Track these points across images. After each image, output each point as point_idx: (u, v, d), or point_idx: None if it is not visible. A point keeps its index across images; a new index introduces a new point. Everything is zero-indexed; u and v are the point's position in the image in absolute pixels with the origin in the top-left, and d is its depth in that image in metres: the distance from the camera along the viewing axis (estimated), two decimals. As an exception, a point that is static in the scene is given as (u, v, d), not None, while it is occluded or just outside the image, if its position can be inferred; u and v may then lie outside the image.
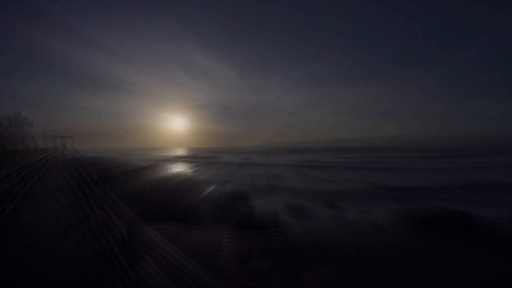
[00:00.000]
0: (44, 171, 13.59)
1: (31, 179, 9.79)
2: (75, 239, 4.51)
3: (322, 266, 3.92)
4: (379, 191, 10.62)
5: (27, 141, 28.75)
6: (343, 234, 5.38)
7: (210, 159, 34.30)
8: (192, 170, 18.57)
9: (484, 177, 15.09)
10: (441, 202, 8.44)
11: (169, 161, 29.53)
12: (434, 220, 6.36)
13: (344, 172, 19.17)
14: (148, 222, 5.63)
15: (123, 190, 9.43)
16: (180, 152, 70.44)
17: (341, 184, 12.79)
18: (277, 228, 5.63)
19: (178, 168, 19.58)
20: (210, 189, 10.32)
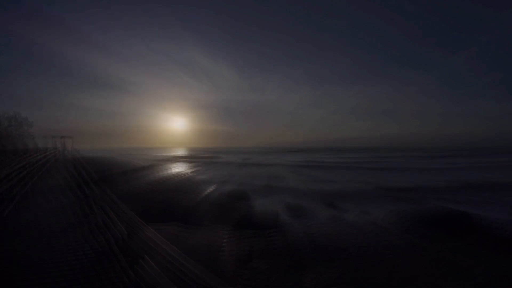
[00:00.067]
0: (44, 171, 13.58)
1: (31, 179, 9.79)
2: (75, 239, 4.51)
3: (322, 266, 3.92)
4: (379, 191, 10.62)
5: (27, 141, 28.76)
6: (343, 234, 5.38)
7: (210, 159, 34.31)
8: (192, 170, 18.57)
9: (484, 177, 15.09)
10: (441, 202, 8.44)
11: (169, 161, 29.54)
12: (434, 220, 6.36)
13: (344, 172, 19.17)
14: (148, 222, 5.62)
15: (123, 190, 9.43)
16: (180, 152, 70.45)
17: (341, 184, 12.79)
18: (277, 228, 5.63)
19: (178, 168, 19.59)
20: (210, 189, 10.32)
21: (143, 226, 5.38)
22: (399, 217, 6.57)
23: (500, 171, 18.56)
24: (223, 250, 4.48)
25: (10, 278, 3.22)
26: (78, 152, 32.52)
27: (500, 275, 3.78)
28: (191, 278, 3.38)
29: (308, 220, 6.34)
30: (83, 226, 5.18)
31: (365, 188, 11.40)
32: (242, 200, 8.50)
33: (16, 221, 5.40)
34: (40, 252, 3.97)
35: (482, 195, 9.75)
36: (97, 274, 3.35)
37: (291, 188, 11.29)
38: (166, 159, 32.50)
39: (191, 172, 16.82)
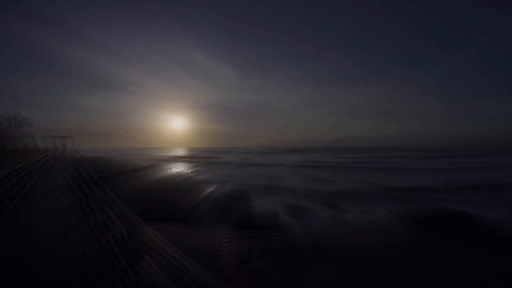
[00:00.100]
0: (44, 171, 13.58)
1: (31, 179, 9.79)
2: (75, 239, 4.51)
3: (322, 266, 3.92)
4: (379, 191, 10.62)
5: (27, 141, 28.76)
6: (343, 234, 5.38)
7: (210, 159, 34.32)
8: (192, 170, 18.57)
9: (484, 177, 15.09)
10: (441, 202, 8.44)
11: (169, 161, 29.54)
12: (434, 220, 6.36)
13: (344, 172, 19.17)
14: (148, 222, 5.62)
15: (123, 190, 9.43)
16: (180, 152, 70.46)
17: (341, 184, 12.79)
18: (277, 228, 5.63)
19: (178, 168, 19.59)
20: (210, 189, 10.32)
21: (143, 226, 5.37)
22: (399, 217, 6.57)
23: (500, 171, 18.56)
24: (223, 250, 4.48)
25: (10, 278, 3.22)
26: (78, 152, 32.52)
27: (500, 275, 3.78)
28: (191, 278, 3.38)
29: (308, 220, 6.34)
30: (83, 226, 5.18)
31: (365, 188, 11.40)
32: (242, 200, 8.50)
33: (16, 221, 5.40)
34: (40, 252, 3.96)
35: (482, 195, 9.75)
36: (97, 274, 3.35)
37: (291, 188, 11.29)
38: (166, 159, 32.51)
39: (191, 172, 16.82)
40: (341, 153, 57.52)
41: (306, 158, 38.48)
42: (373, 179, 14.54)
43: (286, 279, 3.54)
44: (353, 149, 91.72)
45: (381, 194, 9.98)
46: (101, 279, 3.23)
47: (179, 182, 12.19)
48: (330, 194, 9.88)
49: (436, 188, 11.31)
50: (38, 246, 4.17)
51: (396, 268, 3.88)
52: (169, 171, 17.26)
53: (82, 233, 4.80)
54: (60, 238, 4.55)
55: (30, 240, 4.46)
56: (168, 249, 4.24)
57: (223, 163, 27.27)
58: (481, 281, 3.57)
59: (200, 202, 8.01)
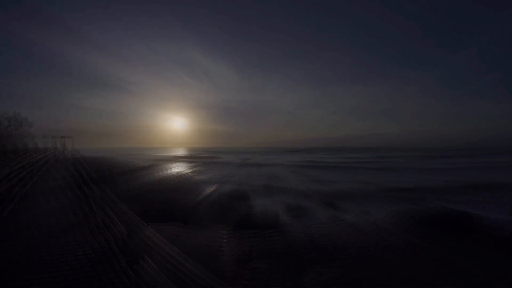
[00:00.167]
0: (43, 171, 13.58)
1: (31, 179, 9.79)
2: (74, 239, 4.51)
3: (322, 266, 3.92)
4: (379, 191, 10.62)
5: (26, 141, 28.76)
6: (343, 234, 5.38)
7: (210, 159, 34.31)
8: (192, 170, 18.57)
9: (484, 177, 15.09)
10: (441, 202, 8.44)
11: (169, 161, 29.54)
12: (434, 220, 6.36)
13: (344, 172, 19.17)
14: (148, 222, 5.63)
15: (123, 190, 9.42)
16: (180, 152, 70.45)
17: (341, 184, 12.79)
18: (277, 228, 5.63)
19: (178, 168, 19.59)
20: (210, 189, 10.32)
21: (143, 226, 5.38)
22: (399, 217, 6.57)
23: (500, 171, 18.56)
24: (223, 250, 4.48)
25: (10, 278, 3.22)
26: (78, 152, 32.52)
27: (500, 275, 3.78)
28: (191, 278, 3.38)
29: (308, 220, 6.34)
30: (83, 226, 5.19)
31: (365, 188, 11.40)
32: (242, 200, 8.50)
33: (16, 221, 5.40)
34: (40, 252, 3.97)
35: (482, 195, 9.75)
36: (97, 274, 3.35)
37: (291, 188, 11.28)
38: (166, 159, 32.51)
39: (191, 172, 16.82)
40: (341, 153, 57.51)
41: (306, 158, 38.48)
42: (373, 179, 14.54)
43: (286, 279, 3.54)
44: (353, 149, 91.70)
45: (381, 194, 9.98)
46: (101, 279, 3.23)
47: (179, 182, 12.19)
48: (330, 194, 9.88)
49: (436, 188, 11.31)
50: (38, 246, 4.18)
51: (396, 268, 3.88)
52: (169, 171, 17.26)
53: (82, 233, 4.80)
54: (60, 238, 4.55)
55: (30, 240, 4.46)
56: (168, 249, 4.24)
57: (223, 163, 27.26)
58: (481, 281, 3.57)
59: (200, 202, 8.01)
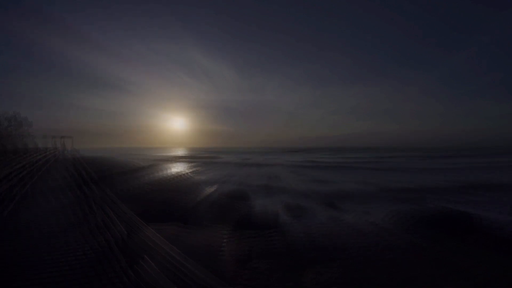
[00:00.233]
0: (43, 171, 13.59)
1: (31, 179, 9.79)
2: (74, 239, 4.51)
3: (322, 266, 3.92)
4: (379, 191, 10.62)
5: (26, 141, 28.76)
6: (343, 234, 5.38)
7: (210, 159, 34.31)
8: (192, 170, 18.57)
9: (484, 177, 15.09)
10: (441, 202, 8.44)
11: (169, 161, 29.54)
12: (434, 220, 6.36)
13: (344, 172, 19.17)
14: (148, 222, 5.62)
15: (123, 190, 9.42)
16: (180, 152, 70.46)
17: (341, 184, 12.79)
18: (277, 228, 5.63)
19: (178, 168, 19.59)
20: (210, 189, 10.32)
21: (143, 226, 5.38)
22: (399, 217, 6.57)
23: (500, 171, 18.56)
24: (223, 250, 4.48)
25: (10, 278, 3.22)
26: (78, 152, 32.50)
27: (500, 275, 3.78)
28: (191, 278, 3.38)
29: (308, 220, 6.34)
30: (83, 226, 5.18)
31: (365, 188, 11.40)
32: (242, 200, 8.50)
33: (16, 221, 5.40)
34: (40, 252, 3.97)
35: (482, 195, 9.75)
36: (97, 274, 3.35)
37: (291, 188, 11.28)
38: (166, 159, 32.51)
39: (191, 172, 16.82)
40: (341, 153, 57.53)
41: (306, 158, 38.49)
42: (373, 179, 14.54)
43: (286, 279, 3.54)
44: (353, 149, 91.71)
45: (381, 194, 9.98)
46: (101, 279, 3.23)
47: (179, 182, 12.19)
48: (330, 194, 9.88)
49: (436, 188, 11.31)
50: (38, 246, 4.18)
51: (396, 268, 3.88)
52: (169, 171, 17.26)
53: (82, 233, 4.80)
54: (60, 238, 4.55)
55: (30, 240, 4.46)
56: (168, 249, 4.24)
57: (223, 163, 27.27)
58: (481, 281, 3.57)
59: (200, 202, 8.01)
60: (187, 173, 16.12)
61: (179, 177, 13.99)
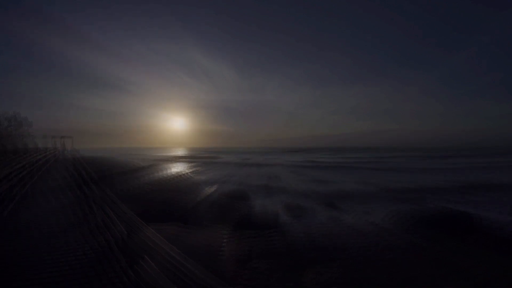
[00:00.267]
0: (43, 171, 13.58)
1: (30, 179, 9.79)
2: (74, 239, 4.51)
3: (322, 266, 3.92)
4: (379, 191, 10.62)
5: (26, 141, 28.76)
6: (343, 234, 5.38)
7: (210, 159, 34.31)
8: (191, 170, 18.57)
9: (484, 177, 15.09)
10: (441, 202, 8.44)
11: (169, 161, 29.54)
12: (434, 220, 6.36)
13: (344, 172, 19.17)
14: (148, 222, 5.62)
15: (123, 190, 9.42)
16: (180, 152, 70.45)
17: (341, 184, 12.78)
18: (277, 228, 5.63)
19: (178, 168, 19.58)
20: (210, 189, 10.32)
21: (143, 226, 5.38)
22: (399, 217, 6.57)
23: (500, 171, 18.56)
24: (223, 250, 4.48)
25: (10, 278, 3.22)
26: (78, 152, 32.50)
27: (500, 275, 3.78)
28: (191, 278, 3.38)
29: (308, 220, 6.34)
30: (83, 226, 5.18)
31: (365, 188, 11.40)
32: (242, 200, 8.50)
33: (16, 221, 5.40)
34: (40, 252, 3.96)
35: (482, 195, 9.75)
36: (97, 274, 3.35)
37: (291, 188, 11.28)
38: (166, 159, 32.51)
39: (191, 172, 16.82)
40: (341, 153, 57.52)
41: (306, 158, 38.48)
42: (373, 179, 14.54)
43: (286, 279, 3.54)
44: (353, 149, 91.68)
45: (381, 194, 9.98)
46: (101, 279, 3.23)
47: (179, 182, 12.19)
48: (330, 194, 9.88)
49: (436, 188, 11.31)
50: (38, 246, 4.17)
51: (396, 268, 3.88)
52: (169, 171, 17.25)
53: (82, 233, 4.80)
54: (60, 238, 4.55)
55: (30, 240, 4.46)
56: (168, 249, 4.24)
57: (223, 163, 27.27)
58: (481, 281, 3.57)
59: (200, 202, 8.01)
60: (187, 173, 16.11)
61: (179, 177, 13.99)
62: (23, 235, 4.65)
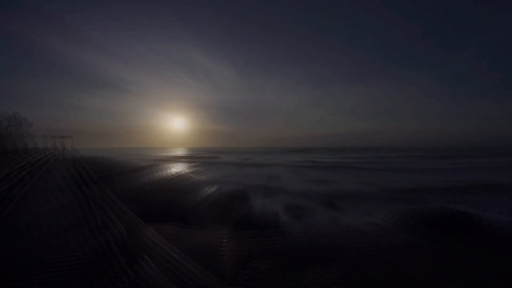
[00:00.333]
0: (43, 171, 13.58)
1: (30, 179, 9.78)
2: (74, 239, 4.51)
3: (322, 266, 3.92)
4: (379, 192, 10.62)
5: (26, 141, 28.76)
6: (343, 234, 5.38)
7: (209, 159, 34.31)
8: (192, 170, 18.57)
9: (484, 178, 15.10)
10: (441, 202, 8.44)
11: (169, 161, 29.54)
12: (434, 220, 6.36)
13: (344, 172, 19.17)
14: (148, 222, 5.62)
15: (123, 190, 9.42)
16: (180, 152, 70.44)
17: (341, 184, 12.79)
18: (277, 229, 5.63)
19: (178, 168, 19.58)
20: (210, 189, 10.32)
21: (143, 226, 5.37)
22: (399, 217, 6.57)
23: (500, 171, 18.57)
24: (223, 250, 4.48)
25: (10, 278, 3.22)
26: (78, 152, 32.48)
27: (500, 275, 3.78)
28: (191, 278, 3.38)
29: (308, 220, 6.34)
30: (83, 226, 5.18)
31: (365, 188, 11.40)
32: (242, 200, 8.50)
33: (16, 221, 5.39)
34: (40, 252, 3.96)
35: (482, 195, 9.75)
36: (97, 274, 3.35)
37: (291, 188, 11.28)
38: (166, 159, 32.51)
39: (191, 172, 16.82)
40: (341, 153, 57.52)
41: (306, 158, 38.48)
42: (373, 179, 14.54)
43: (286, 279, 3.54)
44: (353, 149, 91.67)
45: (381, 194, 9.98)
46: (101, 279, 3.22)
47: (179, 182, 12.19)
48: (330, 194, 9.88)
49: (436, 188, 11.31)
50: (38, 246, 4.17)
51: (396, 268, 3.88)
52: (169, 171, 17.25)
53: (82, 233, 4.79)
54: (60, 238, 4.55)
55: (30, 240, 4.45)
56: (168, 249, 4.24)
57: (223, 163, 27.27)
58: (481, 281, 3.57)
59: (200, 202, 8.01)
60: (187, 173, 16.11)
61: (179, 177, 13.99)
62: (23, 235, 4.65)
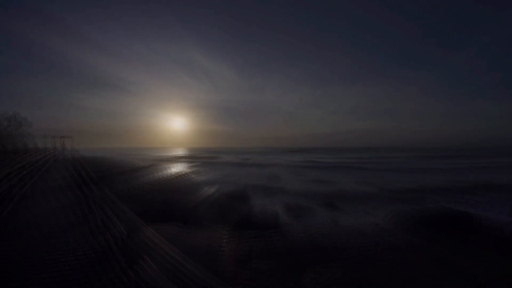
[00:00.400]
0: (43, 171, 13.57)
1: (30, 179, 9.78)
2: (74, 239, 4.50)
3: (322, 266, 3.92)
4: (379, 192, 10.62)
5: (26, 141, 28.76)
6: (343, 234, 5.38)
7: (209, 159, 34.31)
8: (192, 170, 18.57)
9: (484, 177, 15.10)
10: (441, 202, 8.44)
11: (169, 161, 29.54)
12: (434, 220, 6.36)
13: (344, 172, 19.18)
14: (148, 222, 5.62)
15: (123, 190, 9.42)
16: (180, 152, 70.44)
17: (341, 184, 12.79)
18: (277, 229, 5.63)
19: (178, 168, 19.58)
20: (210, 189, 10.32)
21: (143, 226, 5.37)
22: (399, 217, 6.57)
23: (500, 171, 18.57)
24: (223, 250, 4.48)
25: (10, 278, 3.21)
26: (78, 152, 32.47)
27: (500, 275, 3.78)
28: (191, 278, 3.38)
29: (308, 220, 6.34)
30: (82, 226, 5.18)
31: (365, 188, 11.40)
32: (242, 200, 8.50)
33: (16, 221, 5.39)
34: (40, 252, 3.96)
35: (482, 195, 9.75)
36: (97, 274, 3.35)
37: (291, 188, 11.28)
38: (166, 159, 32.51)
39: (191, 172, 16.81)
40: (341, 153, 57.53)
41: (306, 158, 38.48)
42: (373, 179, 14.54)
43: (286, 279, 3.54)
44: (353, 149, 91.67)
45: (381, 194, 9.98)
46: (101, 279, 3.22)
47: (179, 182, 12.19)
48: (330, 194, 9.88)
49: (436, 188, 11.31)
50: (38, 246, 4.17)
51: (396, 268, 3.88)
52: (169, 171, 17.25)
53: (82, 233, 4.79)
54: (60, 238, 4.55)
55: (30, 240, 4.45)
56: (168, 249, 4.24)
57: (223, 163, 27.27)
58: (481, 281, 3.57)
59: (200, 202, 8.01)
60: (187, 173, 16.11)
61: (179, 177, 13.99)
62: (23, 235, 4.65)
